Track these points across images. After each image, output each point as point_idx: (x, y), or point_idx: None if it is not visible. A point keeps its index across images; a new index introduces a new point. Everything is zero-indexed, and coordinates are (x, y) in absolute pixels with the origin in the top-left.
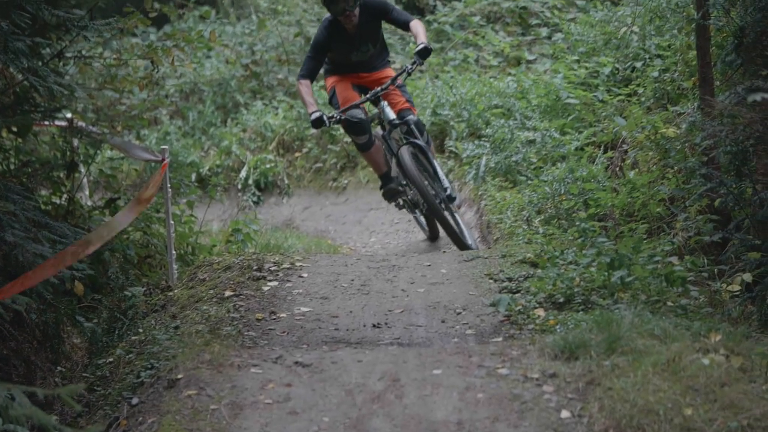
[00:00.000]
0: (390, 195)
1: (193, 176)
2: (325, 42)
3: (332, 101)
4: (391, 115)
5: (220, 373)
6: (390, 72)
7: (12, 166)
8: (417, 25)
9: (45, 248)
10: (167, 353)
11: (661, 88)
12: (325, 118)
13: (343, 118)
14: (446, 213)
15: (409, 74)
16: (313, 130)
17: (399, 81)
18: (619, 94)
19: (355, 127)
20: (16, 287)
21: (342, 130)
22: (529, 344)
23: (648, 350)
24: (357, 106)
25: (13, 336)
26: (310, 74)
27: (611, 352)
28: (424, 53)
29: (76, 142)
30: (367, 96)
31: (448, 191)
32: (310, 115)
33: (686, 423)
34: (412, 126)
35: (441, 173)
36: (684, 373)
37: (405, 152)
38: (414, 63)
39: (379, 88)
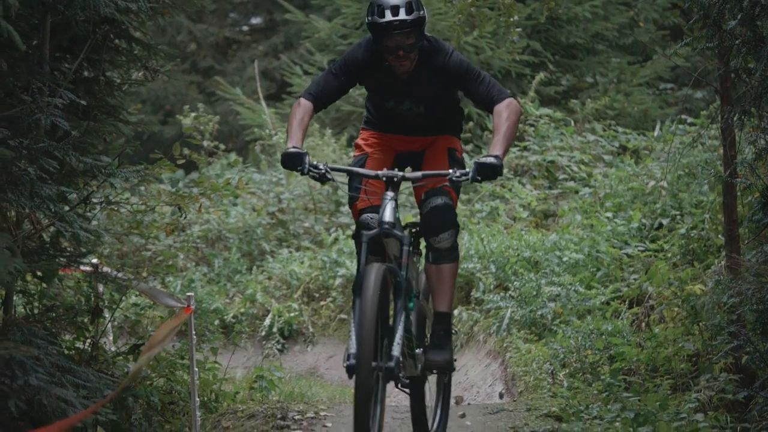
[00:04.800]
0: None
1: (217, 323)
2: (361, 63)
3: (350, 184)
4: (387, 215)
5: None
6: (449, 140)
7: (36, 311)
8: (504, 112)
9: (69, 392)
10: None
11: (687, 245)
12: (306, 161)
13: (327, 176)
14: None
15: (452, 182)
16: (339, 280)
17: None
18: (647, 250)
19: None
20: None
21: None
22: None
23: None
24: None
25: None
26: (317, 96)
27: None
28: (485, 172)
29: (101, 287)
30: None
31: (393, 361)
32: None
33: None
34: (403, 241)
35: (399, 332)
36: None
37: (371, 274)
38: (465, 176)
39: (398, 173)
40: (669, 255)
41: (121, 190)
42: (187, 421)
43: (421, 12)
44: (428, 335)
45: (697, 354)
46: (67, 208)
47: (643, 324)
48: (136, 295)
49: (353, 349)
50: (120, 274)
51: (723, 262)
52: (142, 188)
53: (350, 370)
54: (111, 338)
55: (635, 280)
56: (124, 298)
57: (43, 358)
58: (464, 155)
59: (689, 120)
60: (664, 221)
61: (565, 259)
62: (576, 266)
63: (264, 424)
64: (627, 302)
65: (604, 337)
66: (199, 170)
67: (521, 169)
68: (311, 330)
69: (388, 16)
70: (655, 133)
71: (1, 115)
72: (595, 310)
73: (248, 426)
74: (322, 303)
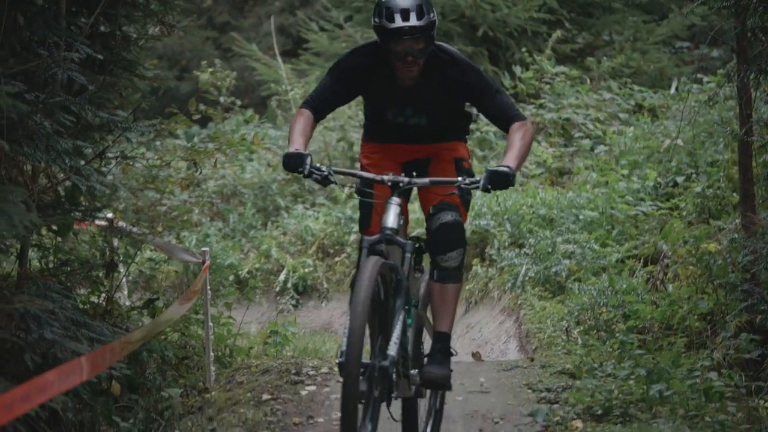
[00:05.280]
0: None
1: (232, 278)
2: (357, 71)
3: (362, 211)
4: (390, 221)
5: None
6: (456, 149)
7: (51, 265)
8: (520, 131)
9: (83, 347)
10: None
11: (703, 203)
12: (308, 162)
13: (330, 179)
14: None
15: (461, 190)
16: (353, 236)
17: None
18: (662, 208)
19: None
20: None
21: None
22: None
23: None
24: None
25: None
26: (317, 105)
27: None
28: (497, 181)
29: (116, 241)
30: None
31: (387, 360)
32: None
33: None
34: (406, 249)
35: (397, 331)
36: None
37: (368, 267)
38: (475, 184)
39: (404, 178)
40: (684, 213)
41: (137, 144)
42: (202, 376)
43: (432, 15)
44: (425, 354)
45: (712, 313)
46: (82, 162)
47: (658, 282)
48: (151, 250)
49: (344, 346)
50: (135, 229)
51: (738, 221)
52: (158, 143)
53: (341, 368)
54: (125, 293)
55: (650, 238)
56: (138, 252)
57: (57, 312)
58: (473, 153)
59: (705, 79)
60: (679, 179)
61: (581, 217)
62: (591, 224)
63: (278, 379)
64: (642, 260)
65: (618, 294)
66: (214, 125)
67: (537, 126)
68: (326, 286)
69: (398, 21)
70: (671, 92)
71: (17, 70)
72: (609, 268)
73: (262, 381)
74: (336, 259)
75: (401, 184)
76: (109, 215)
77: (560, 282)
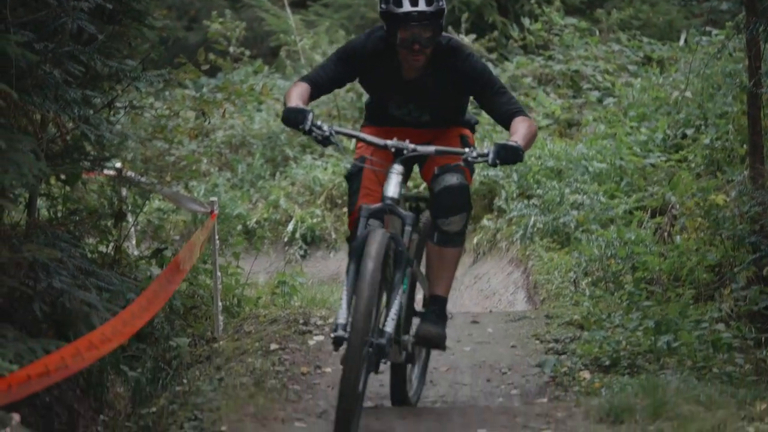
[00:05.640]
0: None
1: (240, 228)
2: (361, 55)
3: (351, 191)
4: (391, 190)
5: (264, 427)
6: (461, 130)
7: (59, 214)
8: (524, 123)
9: (92, 295)
10: (211, 405)
11: (711, 155)
12: (310, 118)
13: (332, 139)
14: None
15: (467, 162)
16: None
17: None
18: (670, 160)
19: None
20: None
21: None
22: (575, 406)
23: (693, 417)
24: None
25: (56, 384)
26: (315, 82)
27: (656, 417)
28: (506, 154)
29: (124, 191)
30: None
31: (384, 338)
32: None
33: None
34: (406, 221)
35: (395, 307)
36: None
37: (375, 240)
38: (483, 157)
39: (409, 145)
40: (692, 165)
41: (146, 94)
42: (210, 326)
43: (441, 3)
44: (419, 313)
45: (720, 264)
46: (91, 111)
47: (666, 234)
48: (160, 200)
49: (342, 319)
50: (143, 179)
51: (746, 173)
52: (167, 93)
53: (338, 342)
54: (134, 242)
55: (658, 190)
56: (147, 202)
57: (66, 261)
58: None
59: (714, 31)
60: (688, 131)
61: (590, 169)
62: (600, 176)
63: (286, 329)
64: (650, 212)
65: (626, 246)
66: (223, 76)
67: (545, 78)
68: (334, 236)
69: (407, 6)
70: (680, 44)
71: (26, 19)
72: (617, 220)
73: (270, 331)
74: (344, 209)
75: (405, 151)
76: (118, 165)
77: (568, 233)
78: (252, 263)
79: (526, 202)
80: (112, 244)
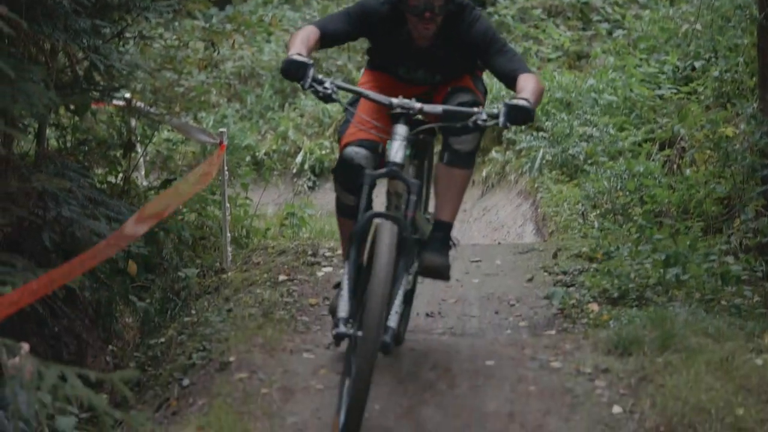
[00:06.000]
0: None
1: (249, 159)
2: (379, 17)
3: (345, 120)
4: (397, 155)
5: (272, 357)
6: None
7: (69, 144)
8: (530, 79)
9: (102, 224)
10: (220, 336)
11: (721, 88)
12: (310, 74)
13: (333, 96)
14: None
15: (477, 126)
16: None
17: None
18: (679, 92)
19: (346, 174)
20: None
21: None
22: (583, 338)
23: (701, 349)
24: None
25: (66, 314)
26: (325, 30)
27: (664, 349)
28: (517, 115)
29: (133, 122)
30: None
31: (389, 334)
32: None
33: (738, 423)
34: (412, 189)
35: (399, 299)
36: (737, 373)
37: (386, 236)
38: (494, 120)
39: (416, 105)
40: (702, 97)
41: (155, 25)
42: (218, 256)
43: None
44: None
45: (729, 197)
46: (101, 41)
47: (675, 166)
48: (169, 130)
49: (344, 312)
50: (153, 109)
51: (755, 105)
52: (176, 23)
53: (339, 338)
54: (143, 173)
55: (668, 122)
56: (156, 133)
57: (75, 190)
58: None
59: None
60: (698, 64)
61: (600, 101)
62: (609, 108)
63: (294, 260)
64: (659, 144)
65: (635, 178)
66: (233, 7)
67: (555, 9)
68: None
69: None
70: None
71: None
72: (626, 152)
73: (279, 262)
74: None
75: (411, 111)
76: (127, 95)
77: (577, 165)
78: (261, 195)
79: (535, 134)
80: (121, 175)
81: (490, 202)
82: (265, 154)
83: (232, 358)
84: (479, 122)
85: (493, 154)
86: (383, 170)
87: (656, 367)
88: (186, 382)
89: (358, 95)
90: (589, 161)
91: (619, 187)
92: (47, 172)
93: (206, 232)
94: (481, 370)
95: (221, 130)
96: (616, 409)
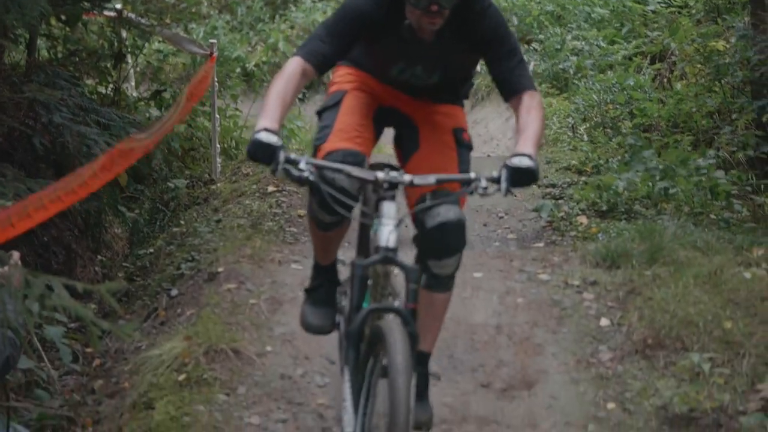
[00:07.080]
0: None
1: (239, 71)
2: (365, 19)
3: (322, 125)
4: (390, 240)
5: (260, 268)
6: (454, 115)
7: (60, 55)
8: (534, 108)
9: (92, 130)
10: (208, 246)
11: (712, 1)
12: (280, 155)
13: (310, 179)
14: None
15: (474, 193)
16: None
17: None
18: (671, 6)
19: (325, 203)
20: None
21: None
22: (571, 251)
23: (690, 262)
24: (355, 162)
25: (55, 224)
26: (315, 60)
27: (653, 262)
28: (521, 180)
29: (124, 32)
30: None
31: None
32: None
33: (725, 336)
34: (410, 277)
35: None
36: (725, 286)
37: (397, 334)
38: (496, 188)
39: (405, 178)
40: (693, 11)
41: None
42: (208, 167)
43: None
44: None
45: (718, 111)
46: None
47: (665, 80)
48: (159, 41)
49: (350, 427)
50: (143, 20)
51: (747, 19)
52: None
53: None
54: (133, 84)
55: (658, 36)
56: (147, 43)
57: (66, 99)
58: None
59: None
60: None
61: (593, 15)
62: (601, 21)
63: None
64: (649, 58)
65: (625, 92)
66: None
67: None
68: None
69: None
70: None
71: None
72: (617, 66)
73: (267, 173)
74: None
75: (400, 185)
76: (118, 6)
77: (567, 79)
78: (250, 106)
79: (526, 47)
80: (111, 86)
81: (480, 115)
82: (255, 65)
83: (220, 269)
84: (479, 192)
85: (484, 66)
86: (376, 257)
87: (644, 280)
88: (174, 292)
89: (338, 171)
90: (579, 75)
91: (609, 101)
92: (38, 81)
93: (196, 143)
94: (469, 281)
95: (211, 41)
96: (604, 321)
